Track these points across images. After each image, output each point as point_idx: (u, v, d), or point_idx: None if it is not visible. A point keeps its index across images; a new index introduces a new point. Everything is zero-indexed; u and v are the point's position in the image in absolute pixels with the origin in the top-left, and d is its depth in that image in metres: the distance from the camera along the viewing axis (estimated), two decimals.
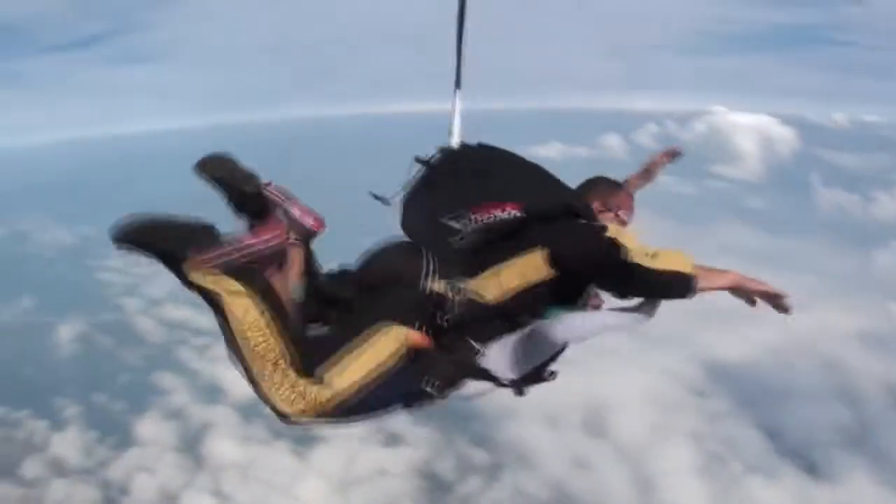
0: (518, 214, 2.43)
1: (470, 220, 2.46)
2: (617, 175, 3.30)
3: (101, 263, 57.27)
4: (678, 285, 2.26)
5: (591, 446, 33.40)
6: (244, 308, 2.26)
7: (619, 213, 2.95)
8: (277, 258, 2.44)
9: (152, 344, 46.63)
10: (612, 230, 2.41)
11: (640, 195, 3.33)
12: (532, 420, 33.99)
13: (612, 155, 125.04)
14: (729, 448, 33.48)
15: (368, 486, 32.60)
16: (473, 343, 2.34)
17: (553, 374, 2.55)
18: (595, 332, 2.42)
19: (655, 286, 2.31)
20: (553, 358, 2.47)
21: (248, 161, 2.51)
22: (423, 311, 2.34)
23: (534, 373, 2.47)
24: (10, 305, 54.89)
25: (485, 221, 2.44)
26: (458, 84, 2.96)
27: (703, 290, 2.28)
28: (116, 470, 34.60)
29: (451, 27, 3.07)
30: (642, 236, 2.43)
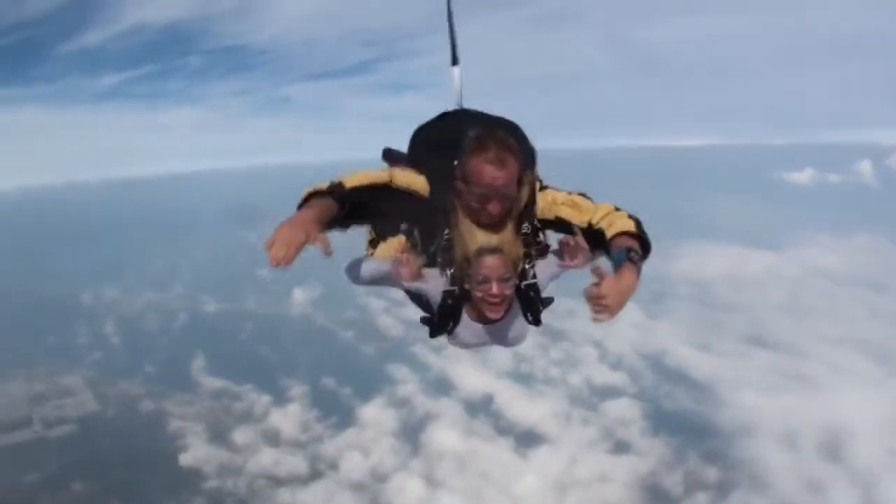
0: None
1: None
2: None
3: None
4: None
5: (826, 470, 31.36)
6: None
7: None
8: None
9: (391, 338, 48.93)
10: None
11: None
12: (769, 439, 32.77)
13: (864, 181, 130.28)
14: None
15: (587, 491, 32.29)
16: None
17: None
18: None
19: None
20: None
21: None
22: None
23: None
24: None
25: None
26: (454, 62, 3.39)
27: None
28: (330, 447, 36.36)
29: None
30: None
